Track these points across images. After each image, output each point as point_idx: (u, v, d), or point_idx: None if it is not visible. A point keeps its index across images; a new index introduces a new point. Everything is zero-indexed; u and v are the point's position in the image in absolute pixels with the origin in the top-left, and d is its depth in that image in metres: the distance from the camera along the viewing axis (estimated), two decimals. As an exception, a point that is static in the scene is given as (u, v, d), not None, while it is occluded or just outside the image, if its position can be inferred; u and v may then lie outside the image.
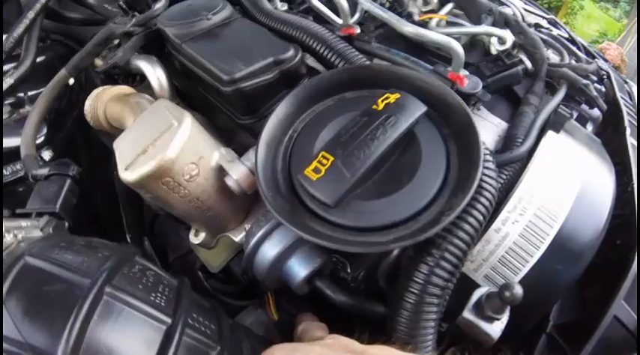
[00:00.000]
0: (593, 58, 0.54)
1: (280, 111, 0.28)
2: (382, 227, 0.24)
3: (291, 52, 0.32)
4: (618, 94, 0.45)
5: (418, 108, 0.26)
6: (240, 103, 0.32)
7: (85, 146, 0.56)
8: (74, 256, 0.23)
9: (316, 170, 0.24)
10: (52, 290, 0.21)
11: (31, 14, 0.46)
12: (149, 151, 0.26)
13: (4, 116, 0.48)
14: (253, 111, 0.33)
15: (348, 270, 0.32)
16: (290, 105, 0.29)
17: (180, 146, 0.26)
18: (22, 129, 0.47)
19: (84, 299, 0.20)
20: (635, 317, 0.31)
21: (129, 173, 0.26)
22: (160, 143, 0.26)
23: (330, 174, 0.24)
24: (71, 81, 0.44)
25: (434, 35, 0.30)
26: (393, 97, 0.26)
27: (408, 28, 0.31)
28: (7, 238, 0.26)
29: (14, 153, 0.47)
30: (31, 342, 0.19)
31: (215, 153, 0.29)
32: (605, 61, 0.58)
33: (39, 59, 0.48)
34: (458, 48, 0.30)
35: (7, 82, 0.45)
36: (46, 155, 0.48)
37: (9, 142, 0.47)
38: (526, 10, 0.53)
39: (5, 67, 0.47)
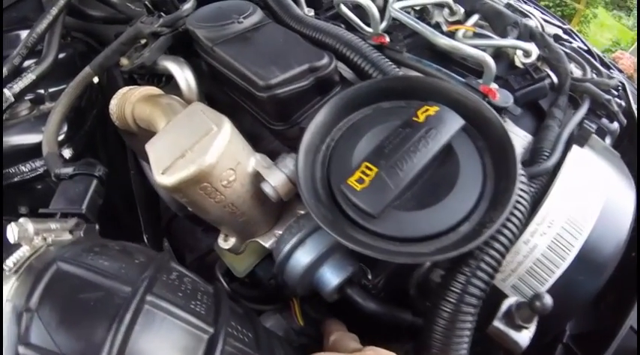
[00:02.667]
0: (608, 68, 0.55)
1: (318, 120, 0.29)
2: (424, 238, 0.25)
3: (325, 60, 0.32)
4: (634, 106, 0.46)
5: (457, 122, 0.27)
6: (274, 109, 0.32)
7: (104, 145, 0.55)
8: (110, 262, 0.22)
9: (360, 180, 0.24)
10: (89, 298, 0.20)
11: (54, 10, 0.45)
12: (187, 156, 0.26)
13: (24, 112, 0.48)
14: (286, 117, 0.33)
15: (369, 277, 0.33)
16: (327, 113, 0.29)
17: (221, 151, 0.26)
18: (42, 126, 0.47)
19: (126, 308, 0.19)
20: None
21: (166, 177, 0.26)
22: (200, 147, 0.26)
23: (374, 184, 0.24)
24: (95, 79, 0.44)
25: (469, 49, 0.31)
26: (432, 110, 0.27)
27: (444, 41, 0.32)
28: (36, 241, 0.25)
29: (33, 150, 0.47)
30: (67, 353, 0.18)
31: (252, 159, 0.29)
32: (620, 71, 0.59)
33: (60, 56, 0.48)
34: (491, 62, 0.31)
35: (29, 77, 0.45)
36: (66, 153, 0.48)
37: (28, 139, 0.47)
38: (544, 19, 0.53)
39: (26, 63, 0.47)
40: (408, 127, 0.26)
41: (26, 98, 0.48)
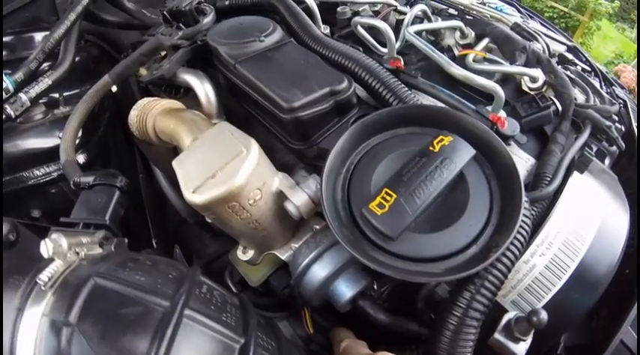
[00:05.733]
0: (611, 85, 0.57)
1: (340, 144, 0.30)
2: (436, 258, 0.27)
3: (345, 84, 0.34)
4: (634, 125, 0.48)
5: (469, 152, 0.29)
6: (295, 130, 0.34)
7: (115, 150, 0.56)
8: (146, 277, 0.23)
9: (380, 205, 0.26)
10: (130, 313, 0.21)
11: (72, 16, 0.46)
12: (218, 176, 0.27)
13: (39, 116, 0.48)
14: (306, 137, 0.34)
15: (375, 288, 0.35)
16: (349, 138, 0.31)
17: (250, 173, 0.27)
18: (56, 130, 0.48)
19: (167, 322, 0.21)
20: (641, 343, 0.34)
21: (197, 196, 0.28)
22: (230, 169, 0.27)
23: (393, 210, 0.26)
24: (114, 88, 0.44)
25: (481, 80, 0.33)
26: (446, 140, 0.29)
27: (458, 71, 0.34)
28: (69, 255, 0.25)
29: (47, 155, 0.48)
30: None
31: (275, 179, 0.30)
32: (622, 87, 0.62)
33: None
34: (500, 93, 0.33)
35: (45, 82, 0.45)
36: (81, 159, 0.49)
37: (42, 143, 0.48)
38: (547, 35, 0.55)
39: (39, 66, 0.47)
40: (424, 157, 0.28)
41: (40, 102, 0.48)
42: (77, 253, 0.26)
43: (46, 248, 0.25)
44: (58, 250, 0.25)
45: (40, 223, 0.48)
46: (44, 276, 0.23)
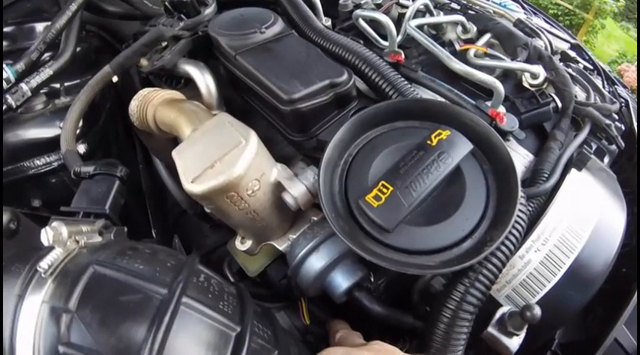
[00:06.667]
0: (613, 84, 0.57)
1: (338, 136, 0.30)
2: (431, 251, 0.27)
3: (345, 76, 0.34)
4: (635, 125, 0.48)
5: (466, 146, 0.29)
6: (295, 122, 0.34)
7: (116, 140, 0.56)
8: (145, 265, 0.23)
9: (377, 197, 0.26)
10: (129, 300, 0.21)
11: (73, 6, 0.45)
12: (217, 166, 0.28)
13: (39, 107, 0.48)
14: (305, 129, 0.34)
15: (372, 280, 0.35)
16: (347, 130, 0.31)
17: (248, 163, 0.28)
18: (57, 120, 0.48)
19: (164, 309, 0.21)
20: (635, 341, 0.34)
21: (195, 185, 0.28)
22: (229, 159, 0.28)
23: (389, 202, 0.26)
24: (115, 78, 0.44)
25: (481, 75, 0.33)
26: (444, 134, 0.29)
27: (458, 66, 0.34)
28: (69, 243, 0.25)
29: (48, 145, 0.48)
30: (108, 352, 0.19)
31: (274, 170, 0.30)
32: (624, 87, 0.61)
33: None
34: (500, 88, 0.33)
35: (47, 73, 0.45)
36: (81, 149, 0.49)
37: (43, 133, 0.48)
38: (550, 32, 0.55)
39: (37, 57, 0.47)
40: (421, 150, 0.28)
41: (41, 91, 0.48)
42: (77, 241, 0.26)
43: (46, 236, 0.25)
44: (59, 238, 0.25)
45: (40, 213, 0.49)
46: (44, 264, 0.23)
